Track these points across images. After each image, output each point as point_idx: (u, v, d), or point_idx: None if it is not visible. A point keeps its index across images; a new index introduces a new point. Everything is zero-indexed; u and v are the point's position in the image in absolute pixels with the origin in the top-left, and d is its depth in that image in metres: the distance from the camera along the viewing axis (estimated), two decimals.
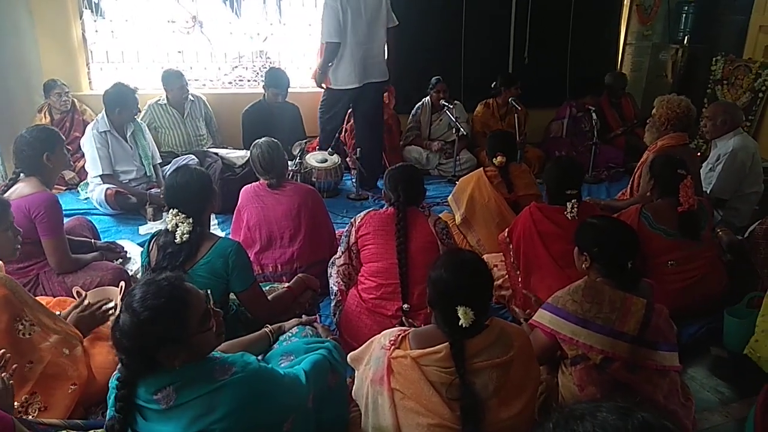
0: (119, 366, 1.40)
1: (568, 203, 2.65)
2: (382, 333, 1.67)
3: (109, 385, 1.45)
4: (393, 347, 1.57)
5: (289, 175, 4.05)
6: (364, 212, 2.56)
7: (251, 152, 3.03)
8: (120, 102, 3.84)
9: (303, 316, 2.18)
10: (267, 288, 2.47)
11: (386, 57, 4.45)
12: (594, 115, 4.91)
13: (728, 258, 3.07)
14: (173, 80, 4.49)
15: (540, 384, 2.04)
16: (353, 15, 4.07)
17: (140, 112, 4.00)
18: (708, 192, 3.70)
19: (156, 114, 4.54)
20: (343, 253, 2.57)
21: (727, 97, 5.88)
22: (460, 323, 1.49)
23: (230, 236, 3.10)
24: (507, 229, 2.86)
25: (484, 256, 3.11)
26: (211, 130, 4.80)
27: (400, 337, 1.60)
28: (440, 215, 3.71)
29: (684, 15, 6.19)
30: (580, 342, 1.90)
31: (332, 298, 2.65)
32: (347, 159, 4.49)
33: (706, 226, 2.78)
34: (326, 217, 3.10)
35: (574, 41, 6.04)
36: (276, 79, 4.49)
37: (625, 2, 6.20)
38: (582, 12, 5.97)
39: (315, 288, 2.49)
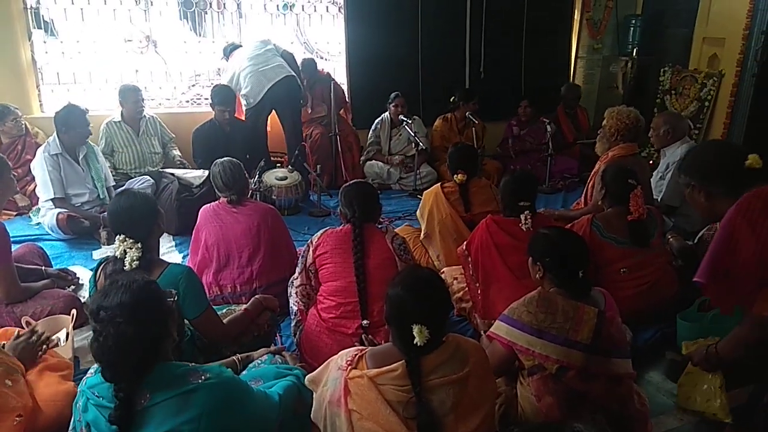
0: (113, 387, 1.39)
1: (521, 215, 2.70)
2: (339, 354, 1.66)
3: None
4: (350, 368, 1.56)
5: (248, 194, 4.04)
6: (321, 231, 2.55)
7: (212, 170, 3.02)
8: (68, 122, 3.75)
9: (275, 344, 2.15)
10: (224, 311, 2.43)
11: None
12: (549, 127, 5.02)
13: (679, 263, 3.16)
14: (129, 94, 4.43)
15: (499, 396, 2.07)
16: (248, 59, 4.62)
17: (91, 134, 3.88)
18: (659, 200, 3.82)
19: (111, 132, 4.45)
20: (300, 273, 2.55)
21: (676, 106, 6.11)
22: (415, 341, 1.50)
23: (188, 257, 3.06)
24: (465, 242, 2.89)
25: (445, 269, 3.16)
26: (169, 150, 4.71)
27: (357, 357, 1.59)
28: (399, 228, 3.77)
29: (632, 28, 6.42)
30: (536, 352, 1.93)
31: (292, 317, 2.62)
32: (309, 176, 4.48)
33: (655, 233, 2.86)
34: (286, 236, 3.08)
35: (528, 55, 6.20)
36: (221, 95, 4.45)
37: (575, 17, 6.40)
38: (535, 27, 6.15)
39: (274, 308, 2.46)
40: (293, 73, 4.64)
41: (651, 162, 5.46)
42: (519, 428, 1.81)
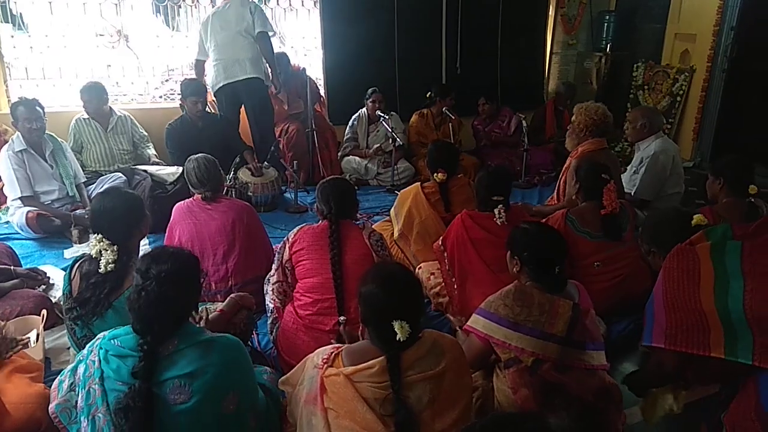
0: (139, 339, 1.52)
1: (495, 209, 2.71)
2: (315, 352, 1.65)
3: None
4: (326, 366, 1.56)
5: (223, 190, 3.99)
6: (298, 228, 2.53)
7: (186, 166, 2.97)
8: (16, 115, 3.66)
9: (251, 343, 2.16)
10: (199, 309, 2.40)
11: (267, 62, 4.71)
12: (523, 122, 5.06)
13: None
14: (90, 93, 4.27)
15: (475, 390, 2.08)
16: (213, 31, 4.53)
17: (44, 128, 3.77)
18: (633, 194, 3.88)
19: (80, 128, 4.33)
20: (276, 270, 2.53)
21: (649, 101, 6.21)
22: (396, 337, 1.50)
23: None
24: (441, 238, 2.90)
25: (422, 265, 3.16)
26: (143, 150, 4.61)
27: (333, 354, 1.59)
28: (377, 224, 3.77)
29: (606, 24, 6.51)
30: (512, 345, 1.94)
31: (269, 315, 2.60)
32: (285, 172, 4.45)
33: (628, 227, 2.90)
34: (262, 233, 3.06)
35: (504, 51, 6.24)
36: (191, 87, 4.37)
37: (550, 12, 6.45)
38: (510, 23, 6.18)
39: (250, 307, 2.44)
40: (255, 75, 4.57)
41: (622, 157, 5.56)
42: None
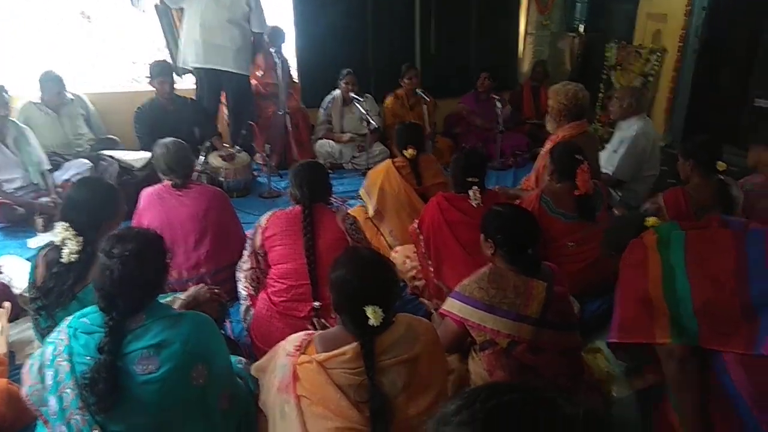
0: (105, 316, 1.53)
1: (470, 191, 2.70)
2: (287, 339, 1.62)
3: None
4: (298, 353, 1.53)
5: (195, 176, 3.90)
6: (270, 212, 2.48)
7: (154, 151, 2.89)
8: None
9: (224, 332, 2.11)
10: (169, 299, 2.34)
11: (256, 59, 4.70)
12: (498, 104, 5.04)
13: None
14: (49, 85, 4.10)
15: (451, 373, 2.08)
16: (200, 4, 4.33)
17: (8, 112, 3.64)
18: (611, 173, 3.89)
19: (30, 113, 4.12)
20: (248, 257, 2.48)
21: (621, 81, 6.24)
22: (369, 322, 1.47)
23: None
24: (417, 220, 2.88)
25: (398, 248, 3.15)
26: (94, 128, 4.46)
27: (306, 342, 1.56)
28: (354, 208, 3.73)
29: (579, 4, 6.51)
30: (488, 328, 1.93)
31: (242, 303, 2.56)
32: (256, 156, 4.37)
33: (601, 207, 2.92)
34: (235, 220, 2.99)
35: (478, 32, 6.19)
36: (158, 67, 4.24)
37: None
38: (484, 3, 6.14)
39: (216, 300, 2.37)
40: (239, 72, 4.46)
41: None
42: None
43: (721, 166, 2.93)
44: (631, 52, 6.17)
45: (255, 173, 4.72)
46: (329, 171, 4.93)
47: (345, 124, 5.22)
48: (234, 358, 2.04)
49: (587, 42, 6.48)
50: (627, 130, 3.93)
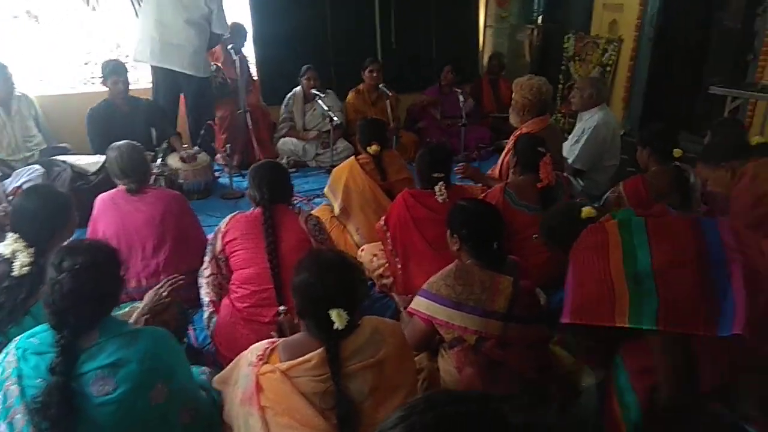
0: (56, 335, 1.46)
1: (435, 186, 2.68)
2: (249, 348, 1.56)
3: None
4: (261, 363, 1.48)
5: (152, 179, 3.78)
6: (229, 216, 2.41)
7: (107, 155, 2.77)
8: None
9: (187, 340, 2.04)
10: (126, 309, 2.26)
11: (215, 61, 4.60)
12: (461, 97, 5.04)
13: None
14: None
15: (421, 371, 2.06)
16: (159, 24, 4.21)
17: None
18: (570, 162, 3.93)
19: None
20: (209, 262, 2.41)
21: (580, 72, 6.32)
22: (335, 327, 1.43)
23: None
24: (383, 218, 2.85)
25: (365, 246, 3.11)
26: (43, 131, 4.28)
27: (268, 350, 1.51)
28: (319, 207, 3.68)
29: None
30: (456, 325, 1.92)
31: (204, 309, 2.48)
32: (217, 156, 4.27)
33: (562, 198, 2.93)
34: (195, 224, 2.91)
35: (438, 25, 6.17)
36: (111, 65, 4.06)
37: None
38: None
39: (173, 309, 2.30)
40: (197, 75, 4.33)
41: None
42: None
43: (677, 153, 2.99)
44: (589, 42, 6.25)
45: (216, 174, 4.61)
46: (293, 169, 4.93)
47: (307, 121, 5.15)
48: (197, 369, 1.99)
49: (545, 33, 6.53)
50: (588, 120, 3.97)
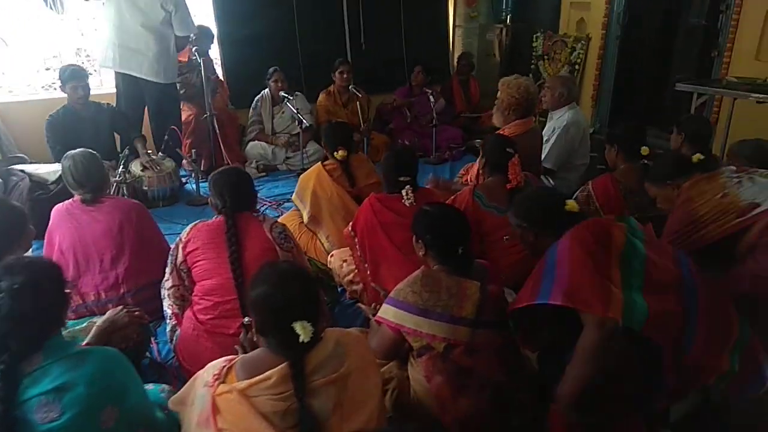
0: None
1: (402, 190, 2.63)
2: (205, 367, 1.49)
3: None
4: (217, 383, 1.41)
5: (112, 187, 3.67)
6: (190, 225, 2.33)
7: (62, 164, 2.66)
8: None
9: (150, 354, 1.97)
10: (84, 325, 2.18)
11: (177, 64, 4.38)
12: (431, 98, 5.01)
13: None
14: None
15: (390, 380, 2.01)
16: (126, 4, 4.05)
17: None
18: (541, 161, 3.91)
19: None
20: (170, 274, 2.32)
21: (549, 71, 6.35)
22: (300, 339, 1.37)
23: None
24: (351, 223, 2.80)
25: (334, 252, 3.05)
26: (3, 146, 4.15)
27: (225, 369, 1.44)
28: (289, 212, 3.61)
29: None
30: (424, 332, 1.88)
31: (167, 322, 2.40)
32: (183, 162, 4.16)
33: None
34: (156, 233, 2.81)
35: (407, 25, 6.14)
36: (69, 70, 3.92)
37: None
38: None
39: (136, 322, 2.22)
40: (158, 81, 4.19)
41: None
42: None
43: (644, 151, 2.99)
44: (557, 41, 6.29)
45: (183, 180, 4.50)
46: (262, 173, 4.84)
47: (276, 124, 5.07)
48: (156, 387, 1.91)
49: (514, 33, 6.56)
50: (558, 119, 3.96)
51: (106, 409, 1.41)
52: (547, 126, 4.09)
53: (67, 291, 1.54)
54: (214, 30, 5.18)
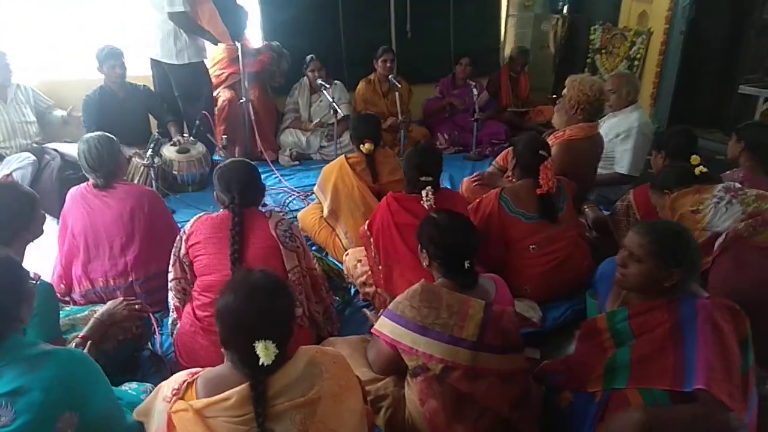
0: None
1: (423, 191, 2.47)
2: (169, 379, 1.40)
3: None
4: (175, 398, 1.31)
5: (140, 170, 3.68)
6: (195, 217, 2.26)
7: (78, 147, 2.64)
8: None
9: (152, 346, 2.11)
10: (86, 312, 2.16)
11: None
12: (474, 90, 4.79)
13: (594, 235, 3.03)
14: None
15: (385, 398, 1.88)
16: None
17: None
18: (625, 172, 3.57)
19: None
20: (173, 265, 2.26)
21: (606, 65, 5.98)
22: (260, 361, 1.26)
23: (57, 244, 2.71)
24: (367, 222, 2.67)
25: (349, 251, 2.94)
26: (48, 115, 4.17)
27: (186, 384, 1.34)
28: (311, 205, 3.52)
29: None
30: (420, 351, 1.74)
31: (171, 314, 2.35)
32: (216, 148, 4.13)
33: (565, 206, 2.70)
34: (169, 221, 2.77)
35: (456, 14, 5.89)
36: (106, 50, 3.90)
37: None
38: None
39: (136, 316, 2.17)
40: (163, 59, 4.06)
41: None
42: None
43: (694, 160, 2.70)
44: (616, 34, 5.90)
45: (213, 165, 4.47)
46: (296, 162, 4.76)
47: (313, 113, 4.97)
48: (139, 387, 1.85)
49: (571, 24, 6.20)
50: (625, 120, 3.59)
51: (64, 415, 1.34)
52: (606, 129, 3.65)
53: (32, 283, 1.48)
54: (258, 17, 5.11)
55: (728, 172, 2.82)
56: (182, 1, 3.80)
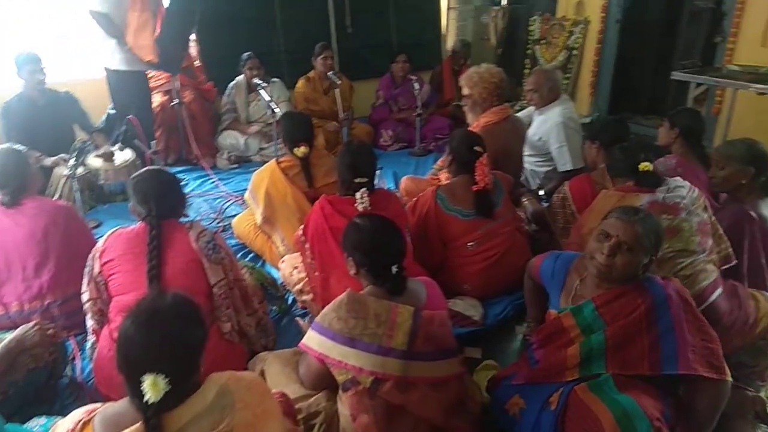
0: None
1: (357, 193, 2.38)
2: (65, 417, 1.28)
3: None
4: None
5: (62, 180, 3.47)
6: (109, 232, 2.11)
7: None
8: None
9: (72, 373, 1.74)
10: None
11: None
12: (416, 86, 4.73)
13: (533, 228, 3.02)
14: None
15: (318, 415, 1.79)
16: None
17: None
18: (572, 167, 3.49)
19: None
20: (87, 285, 2.10)
21: (546, 56, 6.03)
22: (145, 398, 1.15)
23: None
24: (301, 227, 2.56)
25: (285, 257, 2.83)
26: None
27: (81, 423, 1.22)
28: (246, 210, 3.38)
29: None
30: (350, 365, 1.65)
31: (90, 338, 2.19)
32: (144, 154, 3.93)
33: (501, 201, 2.66)
34: (86, 238, 2.56)
35: (397, 7, 5.83)
36: (24, 55, 3.67)
37: None
38: None
39: (49, 342, 2.02)
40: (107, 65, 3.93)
41: None
42: None
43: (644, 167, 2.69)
44: (555, 24, 5.96)
45: None
46: (234, 165, 4.60)
47: (251, 113, 4.82)
48: (48, 422, 1.70)
49: (511, 15, 6.23)
50: (549, 118, 3.54)
51: None
52: (534, 128, 3.65)
53: None
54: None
55: (661, 159, 2.83)
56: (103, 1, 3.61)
